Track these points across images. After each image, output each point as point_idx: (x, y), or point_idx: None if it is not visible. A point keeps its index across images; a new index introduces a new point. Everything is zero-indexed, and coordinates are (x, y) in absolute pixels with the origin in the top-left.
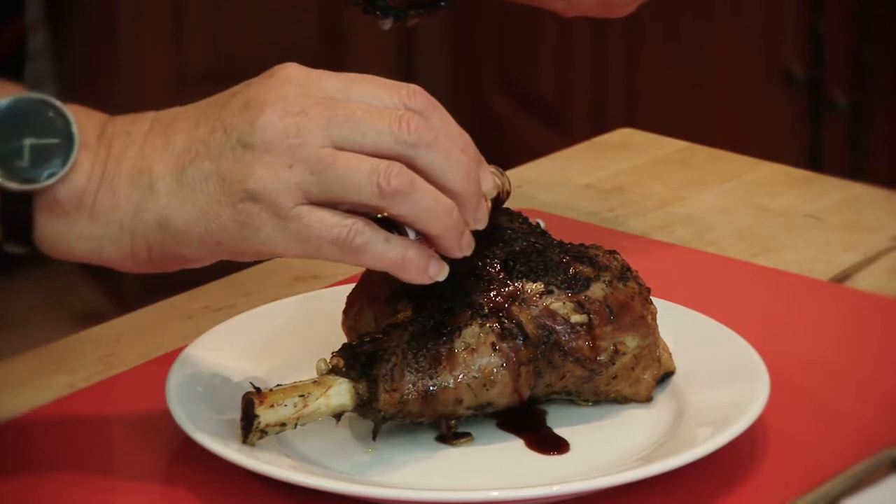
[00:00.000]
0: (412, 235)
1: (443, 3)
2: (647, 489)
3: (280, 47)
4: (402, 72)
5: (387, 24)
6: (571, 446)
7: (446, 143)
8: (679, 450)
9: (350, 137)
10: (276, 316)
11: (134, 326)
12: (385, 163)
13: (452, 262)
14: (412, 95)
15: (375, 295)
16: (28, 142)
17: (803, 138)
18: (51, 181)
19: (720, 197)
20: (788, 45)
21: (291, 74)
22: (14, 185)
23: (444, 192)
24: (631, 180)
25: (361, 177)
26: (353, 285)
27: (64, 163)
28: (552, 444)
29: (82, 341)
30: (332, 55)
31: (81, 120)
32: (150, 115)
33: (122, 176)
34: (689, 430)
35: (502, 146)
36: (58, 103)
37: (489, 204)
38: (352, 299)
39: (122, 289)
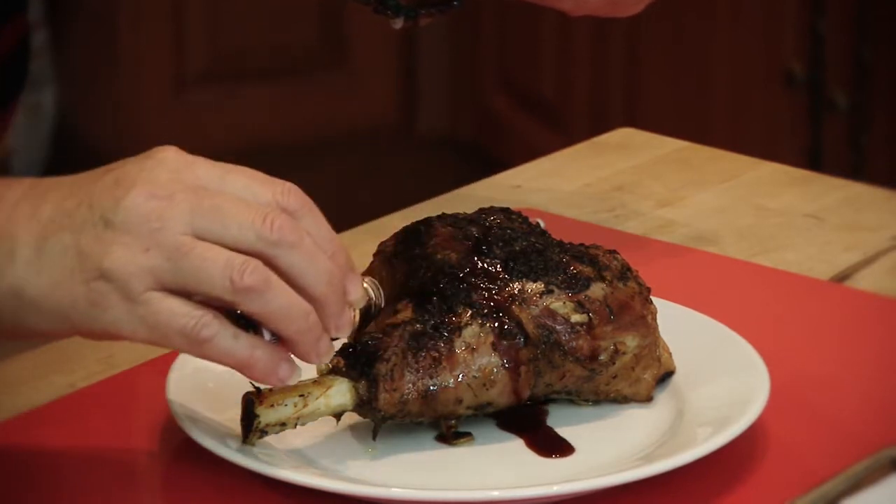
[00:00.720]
0: (268, 336)
1: (455, 3)
2: (647, 489)
3: (280, 48)
4: (402, 72)
5: (398, 24)
6: (571, 447)
7: (311, 246)
8: (679, 450)
9: (212, 228)
10: None
11: None
12: (242, 258)
13: (454, 263)
14: (286, 194)
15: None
16: None
17: (803, 138)
18: None
19: (720, 197)
20: (789, 45)
21: (168, 158)
22: None
23: (304, 295)
24: (631, 180)
25: (216, 269)
26: None
27: None
28: (554, 447)
29: (82, 341)
30: (332, 55)
31: None
32: (27, 182)
33: None
34: (689, 429)
35: (502, 146)
36: None
37: (356, 314)
38: None
39: None
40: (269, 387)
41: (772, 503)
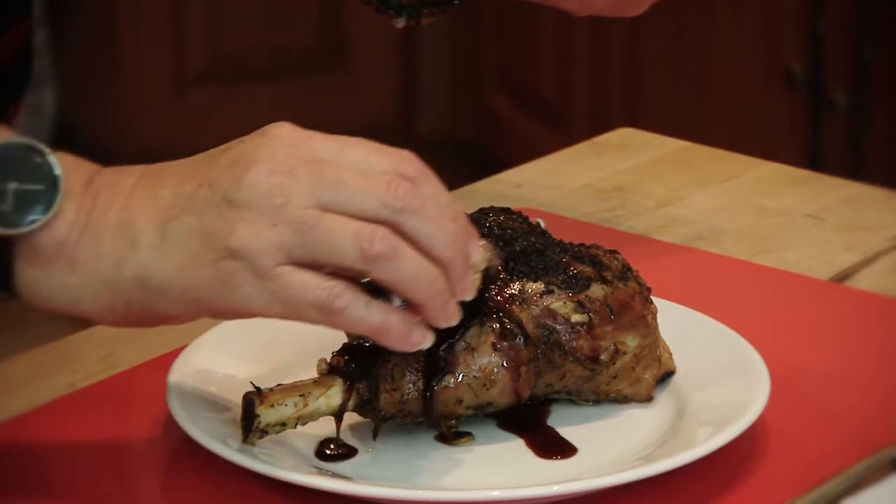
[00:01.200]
0: (397, 302)
1: (456, 2)
2: (647, 489)
3: (280, 48)
4: (402, 72)
5: (400, 23)
6: (573, 447)
7: (434, 210)
8: (679, 449)
9: (336, 200)
10: None
11: None
12: (370, 226)
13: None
14: (404, 161)
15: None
16: (12, 186)
17: (803, 138)
18: (32, 227)
19: (720, 197)
20: (789, 45)
21: (283, 134)
22: None
23: (431, 259)
24: (631, 180)
25: (345, 239)
26: None
27: (47, 209)
28: (555, 448)
29: (83, 341)
30: (332, 56)
31: (70, 168)
32: (139, 169)
33: (105, 228)
34: (689, 429)
35: (503, 146)
36: (46, 150)
37: (478, 276)
38: None
39: None
40: (269, 387)
41: (772, 503)
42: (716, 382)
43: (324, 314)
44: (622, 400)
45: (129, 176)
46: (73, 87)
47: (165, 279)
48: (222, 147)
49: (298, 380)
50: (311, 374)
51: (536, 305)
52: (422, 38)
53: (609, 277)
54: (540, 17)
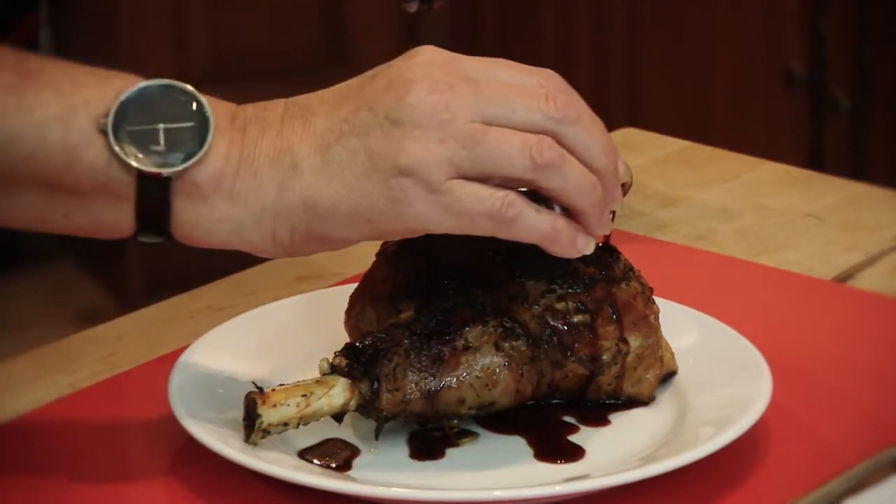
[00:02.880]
0: (558, 211)
1: None
2: (648, 489)
3: (282, 47)
4: None
5: (413, 7)
6: (575, 450)
7: (589, 120)
8: (681, 449)
9: (499, 113)
10: (279, 315)
11: (136, 326)
12: (536, 137)
13: (457, 263)
14: (550, 78)
15: (378, 294)
16: (162, 126)
17: (805, 138)
18: (188, 164)
19: (722, 196)
20: (790, 45)
21: (432, 55)
22: (153, 170)
23: (589, 168)
24: (633, 180)
25: (514, 150)
26: (355, 285)
27: (200, 145)
28: (558, 451)
29: (84, 341)
30: (333, 55)
31: (212, 104)
32: (281, 102)
33: (261, 157)
34: (691, 429)
35: None
36: (187, 87)
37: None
38: (354, 299)
39: (124, 288)
40: (271, 387)
41: (774, 503)
42: (718, 382)
43: (497, 223)
44: (624, 400)
45: (274, 109)
46: None
47: (335, 200)
48: (367, 74)
49: (300, 380)
50: (314, 373)
51: (538, 305)
52: (423, 38)
53: (611, 277)
54: (541, 16)
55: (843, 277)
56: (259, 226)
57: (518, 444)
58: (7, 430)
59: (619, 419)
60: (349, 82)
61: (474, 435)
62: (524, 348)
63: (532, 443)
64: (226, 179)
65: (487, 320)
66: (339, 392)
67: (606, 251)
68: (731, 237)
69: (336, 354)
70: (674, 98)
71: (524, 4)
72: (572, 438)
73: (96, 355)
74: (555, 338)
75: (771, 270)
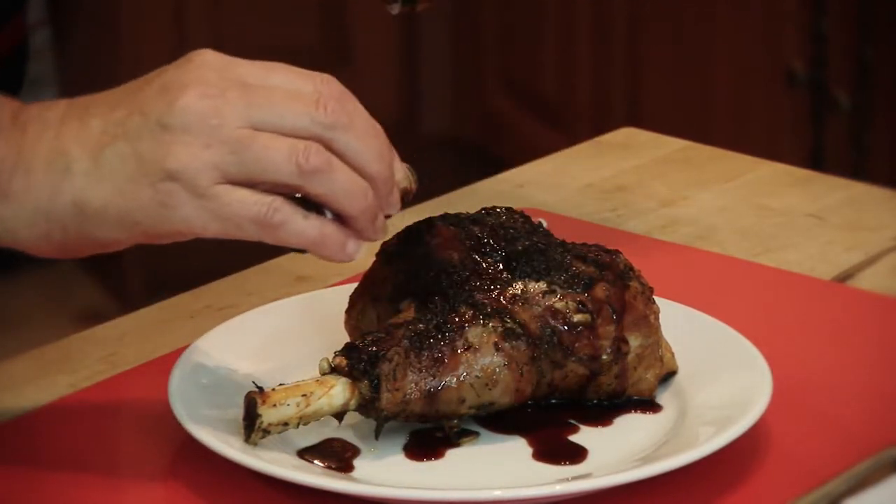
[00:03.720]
0: (329, 217)
1: None
2: (648, 489)
3: (282, 48)
4: (404, 72)
5: (395, 9)
6: (576, 450)
7: (362, 126)
8: (681, 449)
9: (269, 119)
10: (279, 315)
11: (136, 326)
12: (304, 142)
13: (457, 262)
14: (326, 83)
15: (378, 294)
16: None
17: (805, 138)
18: None
19: (722, 196)
20: (790, 45)
21: (208, 59)
22: None
23: (360, 174)
24: (633, 180)
25: (280, 156)
26: (355, 285)
27: None
28: (559, 451)
29: (84, 341)
30: (334, 55)
31: None
32: (63, 102)
33: (37, 159)
34: (691, 429)
35: (505, 145)
36: None
37: (400, 194)
38: (354, 299)
39: (125, 288)
40: (271, 387)
41: (774, 503)
42: (718, 382)
43: (263, 229)
44: (624, 399)
45: (55, 109)
46: (75, 89)
47: (103, 203)
48: (147, 76)
49: (301, 379)
50: (314, 373)
51: (539, 305)
52: (424, 38)
53: (611, 277)
54: (542, 16)
55: (844, 277)
56: (31, 227)
57: (518, 443)
58: (8, 429)
59: (620, 419)
60: (129, 84)
61: (474, 435)
62: (524, 348)
63: (532, 443)
64: (1, 179)
65: (487, 320)
66: (339, 392)
67: (607, 251)
68: (732, 237)
69: (336, 354)
70: (674, 98)
71: (525, 5)
72: (572, 438)
73: (97, 355)
74: (555, 338)
75: (771, 270)
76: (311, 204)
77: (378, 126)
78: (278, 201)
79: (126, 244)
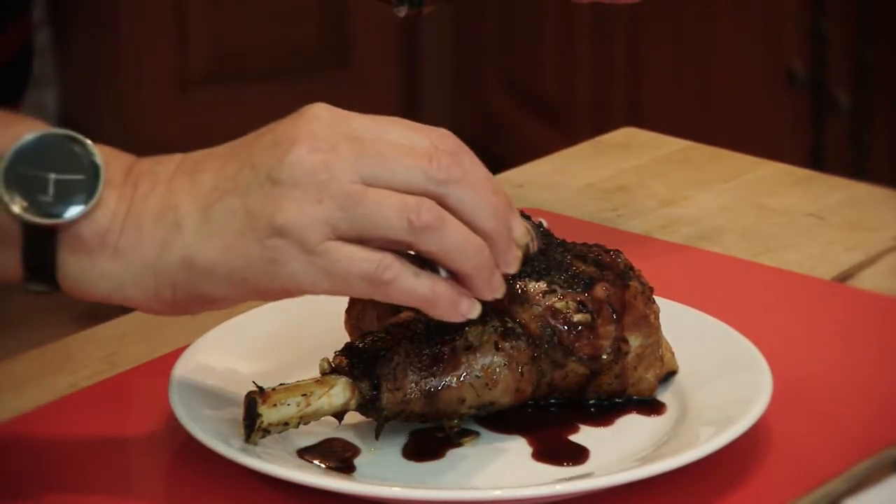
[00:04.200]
0: (443, 275)
1: None
2: (649, 488)
3: (282, 47)
4: (404, 72)
5: (402, 12)
6: (573, 447)
7: (476, 182)
8: (681, 449)
9: (380, 174)
10: (279, 315)
11: (136, 326)
12: (415, 198)
13: None
14: (443, 137)
15: None
16: (53, 176)
17: (805, 138)
18: (74, 216)
19: (722, 196)
20: (791, 45)
21: (321, 114)
22: (37, 220)
23: (475, 230)
24: (633, 179)
25: (391, 212)
26: None
27: (88, 199)
28: (559, 451)
29: (85, 341)
30: (334, 55)
31: (108, 158)
32: (178, 157)
33: (147, 214)
34: (691, 429)
35: (505, 145)
36: (86, 141)
37: (520, 252)
38: (354, 299)
39: None
40: (271, 386)
41: (774, 503)
42: (718, 382)
43: (373, 286)
44: (625, 399)
45: (168, 164)
46: (76, 87)
47: (212, 260)
48: (260, 130)
49: (301, 379)
50: (314, 373)
51: (539, 305)
52: (424, 38)
53: (611, 277)
54: (542, 16)
55: (844, 277)
56: (140, 283)
57: (518, 443)
58: (8, 429)
59: (620, 419)
60: (242, 139)
61: (474, 434)
62: (524, 348)
63: (532, 442)
64: (111, 235)
65: (487, 320)
66: (339, 391)
67: (607, 251)
68: (732, 237)
69: (336, 354)
70: (674, 97)
71: (526, 5)
72: (573, 438)
73: (97, 355)
74: (555, 337)
75: (771, 270)
76: (426, 262)
77: (497, 182)
78: (389, 258)
79: (237, 301)
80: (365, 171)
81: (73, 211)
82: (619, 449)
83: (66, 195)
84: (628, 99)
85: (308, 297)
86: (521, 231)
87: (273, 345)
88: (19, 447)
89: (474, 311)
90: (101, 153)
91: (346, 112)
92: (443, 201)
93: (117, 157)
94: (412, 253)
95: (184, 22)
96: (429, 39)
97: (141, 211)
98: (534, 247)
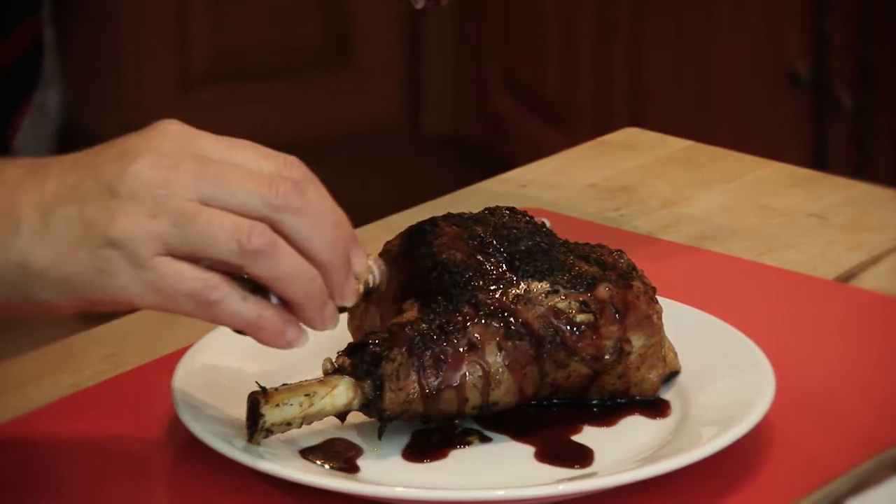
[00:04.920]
0: (275, 301)
1: None
2: (651, 489)
3: (284, 47)
4: (407, 72)
5: (420, 4)
6: (576, 447)
7: (316, 212)
8: (684, 449)
9: (218, 195)
10: None
11: (139, 325)
12: (249, 222)
13: (460, 262)
14: (290, 165)
15: (381, 294)
16: None
17: (808, 138)
18: None
19: (725, 196)
20: (793, 45)
21: (172, 129)
22: None
23: (310, 260)
24: (636, 179)
25: (223, 233)
26: None
27: None
28: (561, 451)
29: (87, 340)
30: (337, 55)
31: None
32: (27, 161)
33: None
34: (693, 429)
35: (507, 145)
36: None
37: (360, 287)
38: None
39: None
40: (274, 386)
41: (776, 503)
42: (720, 382)
43: (199, 306)
44: (627, 399)
45: (16, 168)
46: (77, 87)
47: (44, 265)
48: (111, 142)
49: (303, 379)
50: (317, 373)
51: (542, 305)
52: (427, 38)
53: (614, 277)
54: (544, 16)
55: (846, 277)
56: None
57: (521, 443)
58: (11, 428)
59: (622, 419)
60: (93, 148)
61: (477, 435)
62: (527, 348)
63: (535, 442)
64: None
65: (490, 320)
66: (342, 392)
67: (610, 251)
68: (734, 237)
69: (339, 354)
70: (676, 97)
71: (528, 5)
72: (575, 438)
73: (100, 354)
74: (558, 337)
75: (773, 270)
76: (259, 287)
77: (341, 214)
78: (216, 279)
79: (68, 311)
80: (203, 190)
81: None
82: (621, 449)
83: None
84: (631, 99)
85: None
86: (362, 266)
87: None
88: (21, 447)
89: (302, 340)
90: None
91: (197, 131)
92: (278, 227)
93: None
94: (247, 277)
95: (185, 21)
96: (431, 40)
97: None
98: (379, 285)
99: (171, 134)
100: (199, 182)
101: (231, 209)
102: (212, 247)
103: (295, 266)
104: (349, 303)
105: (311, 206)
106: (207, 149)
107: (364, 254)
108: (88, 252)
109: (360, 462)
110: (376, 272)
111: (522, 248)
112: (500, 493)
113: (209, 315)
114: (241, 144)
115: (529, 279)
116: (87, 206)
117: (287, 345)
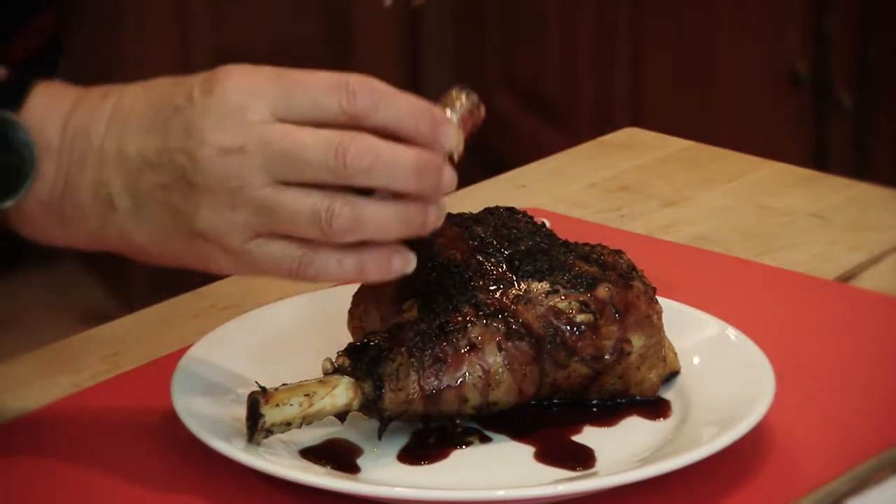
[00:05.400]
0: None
1: None
2: (651, 489)
3: (284, 46)
4: (407, 72)
5: (387, 1)
6: (576, 447)
7: (387, 157)
8: (684, 449)
9: (289, 175)
10: (282, 315)
11: (139, 325)
12: (326, 202)
13: (460, 262)
14: (352, 98)
15: (381, 294)
16: None
17: (808, 138)
18: (7, 205)
19: (725, 196)
20: (793, 45)
21: (230, 97)
22: None
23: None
24: (636, 180)
25: (303, 219)
26: (359, 285)
27: (22, 186)
28: (562, 451)
29: (87, 340)
30: (336, 55)
31: (44, 116)
32: (109, 109)
33: (83, 188)
34: (694, 429)
35: (508, 145)
36: (14, 119)
37: (457, 156)
38: (358, 299)
39: (128, 288)
40: (274, 387)
41: (777, 503)
42: (721, 382)
43: (298, 280)
44: (627, 399)
45: (99, 121)
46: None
47: (146, 242)
48: (180, 91)
49: (303, 379)
50: (317, 373)
51: (542, 305)
52: (426, 38)
53: (614, 277)
54: (545, 16)
55: (847, 277)
56: (89, 245)
57: (521, 443)
58: (11, 429)
59: (622, 419)
60: (161, 88)
61: (477, 434)
62: (527, 348)
63: (535, 443)
64: (53, 207)
65: (490, 320)
66: (342, 392)
67: (610, 251)
68: (735, 237)
69: (339, 354)
70: (677, 98)
71: (528, 4)
72: (575, 438)
73: (100, 355)
74: (558, 338)
75: (774, 270)
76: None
77: (418, 113)
78: (309, 255)
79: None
80: (274, 173)
81: (9, 197)
82: (621, 449)
83: (2, 178)
84: (631, 99)
85: (310, 298)
86: (451, 142)
87: (276, 345)
88: (22, 447)
89: (408, 265)
90: (36, 110)
91: (254, 86)
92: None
93: (52, 109)
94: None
95: (186, 21)
96: (431, 40)
97: (77, 184)
98: (480, 117)
99: (230, 103)
100: (268, 165)
101: (306, 183)
102: (298, 229)
103: (381, 225)
104: (450, 189)
105: (381, 154)
106: (269, 106)
107: (453, 128)
108: (182, 241)
109: (360, 462)
110: (472, 106)
111: (522, 248)
112: (500, 493)
113: (312, 281)
114: (299, 88)
115: (529, 279)
116: (170, 192)
117: (396, 274)
